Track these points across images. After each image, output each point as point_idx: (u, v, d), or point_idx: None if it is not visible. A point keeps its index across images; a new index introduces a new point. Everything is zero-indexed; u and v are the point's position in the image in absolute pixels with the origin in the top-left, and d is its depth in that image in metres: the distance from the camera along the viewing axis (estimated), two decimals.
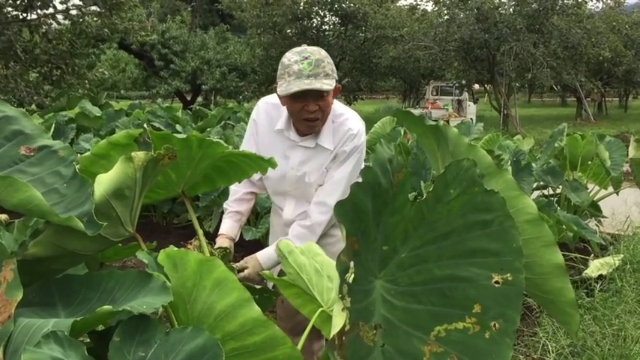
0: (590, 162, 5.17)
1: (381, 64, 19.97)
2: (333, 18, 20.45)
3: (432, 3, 18.32)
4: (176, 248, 1.26)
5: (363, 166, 1.98)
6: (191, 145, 1.48)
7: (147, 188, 1.42)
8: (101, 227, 1.19)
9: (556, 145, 4.94)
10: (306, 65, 1.80)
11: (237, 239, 2.11)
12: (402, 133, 5.49)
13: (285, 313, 2.19)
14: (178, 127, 6.13)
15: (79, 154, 1.49)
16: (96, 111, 6.63)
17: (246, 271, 1.87)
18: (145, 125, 1.57)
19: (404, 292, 1.16)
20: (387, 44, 18.98)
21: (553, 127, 9.19)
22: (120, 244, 1.53)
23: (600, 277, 3.60)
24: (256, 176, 2.00)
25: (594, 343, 2.77)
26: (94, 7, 9.79)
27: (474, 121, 10.78)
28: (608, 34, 18.13)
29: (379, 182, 1.15)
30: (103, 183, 1.26)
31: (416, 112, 1.61)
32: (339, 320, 0.99)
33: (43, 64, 9.75)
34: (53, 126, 5.49)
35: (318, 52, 1.85)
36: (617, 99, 30.56)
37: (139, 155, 1.26)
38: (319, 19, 20.32)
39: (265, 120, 2.05)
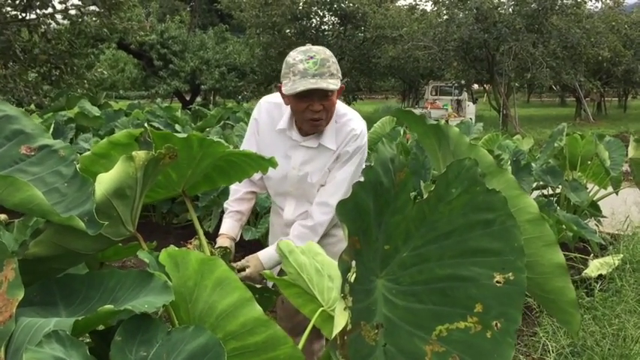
0: (589, 162, 5.17)
1: (380, 64, 19.94)
2: (333, 18, 20.43)
3: (431, 3, 18.35)
4: (177, 248, 1.26)
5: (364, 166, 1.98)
6: (192, 144, 1.48)
7: (148, 188, 1.42)
8: (102, 227, 1.19)
9: (555, 145, 4.94)
10: (311, 64, 1.79)
11: (237, 239, 2.10)
12: (402, 132, 5.49)
13: (285, 313, 2.18)
14: (178, 127, 6.13)
15: (78, 154, 1.49)
16: (95, 111, 6.62)
17: (247, 271, 1.86)
18: (145, 125, 1.57)
19: (405, 292, 1.16)
20: (386, 44, 18.96)
21: (552, 127, 9.20)
22: (120, 244, 1.53)
23: (600, 276, 3.60)
24: (257, 176, 1.99)
25: (594, 342, 2.77)
26: (92, 7, 9.77)
27: (474, 121, 10.76)
28: (607, 34, 18.13)
29: (381, 182, 1.15)
30: (104, 182, 1.26)
31: (416, 112, 1.61)
32: (341, 320, 0.99)
33: (42, 64, 9.72)
34: (52, 126, 5.48)
35: (323, 52, 1.84)
36: (617, 99, 30.57)
37: (140, 155, 1.26)
38: (318, 19, 20.30)
39: (267, 119, 2.04)
